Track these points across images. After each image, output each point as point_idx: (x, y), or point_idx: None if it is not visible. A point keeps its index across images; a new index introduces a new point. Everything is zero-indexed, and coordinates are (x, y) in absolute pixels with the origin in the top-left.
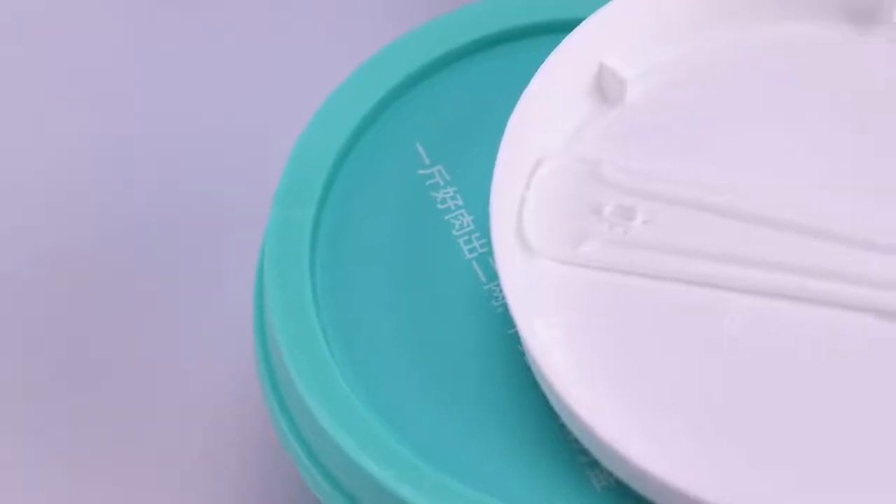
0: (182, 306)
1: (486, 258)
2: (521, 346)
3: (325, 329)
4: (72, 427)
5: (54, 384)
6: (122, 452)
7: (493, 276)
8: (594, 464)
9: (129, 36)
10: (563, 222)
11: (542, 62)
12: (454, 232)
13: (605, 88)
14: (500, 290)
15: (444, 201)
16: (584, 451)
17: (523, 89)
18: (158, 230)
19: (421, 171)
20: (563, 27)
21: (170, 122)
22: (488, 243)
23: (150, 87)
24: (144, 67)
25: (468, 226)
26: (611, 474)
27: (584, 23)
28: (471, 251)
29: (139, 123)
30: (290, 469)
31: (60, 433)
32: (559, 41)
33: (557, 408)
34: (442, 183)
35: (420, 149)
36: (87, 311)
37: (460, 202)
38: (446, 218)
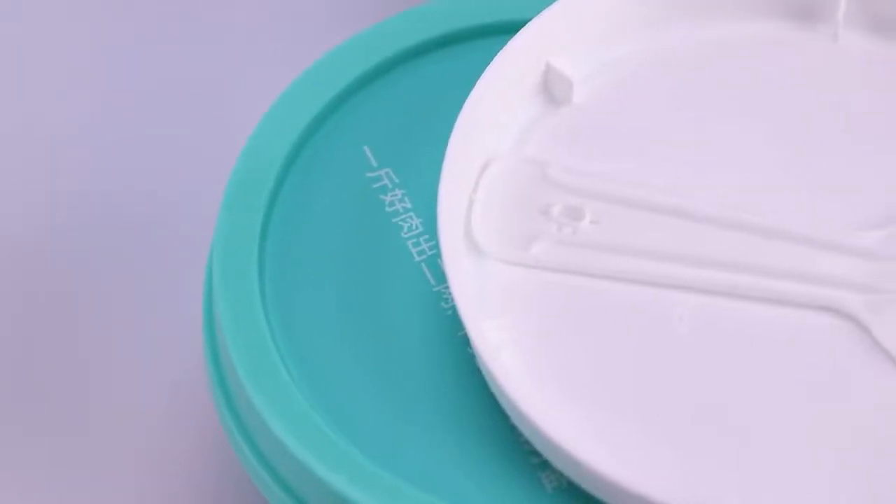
0: (133, 306)
1: (436, 260)
2: (471, 348)
3: (274, 333)
4: (21, 426)
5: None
6: (72, 452)
7: (442, 278)
8: (545, 465)
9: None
10: (511, 224)
11: (489, 63)
12: (403, 234)
13: (553, 89)
14: (450, 293)
15: (392, 204)
16: (535, 453)
17: (470, 91)
18: (117, 230)
19: (369, 174)
20: (511, 28)
21: (126, 123)
22: (437, 245)
23: (108, 85)
24: (107, 67)
25: (417, 228)
26: (562, 475)
27: (530, 23)
28: (420, 254)
29: (98, 126)
30: (241, 472)
31: (8, 433)
32: (507, 42)
33: (508, 409)
34: (390, 185)
35: (368, 152)
36: (38, 311)
37: (409, 205)
38: (395, 220)
